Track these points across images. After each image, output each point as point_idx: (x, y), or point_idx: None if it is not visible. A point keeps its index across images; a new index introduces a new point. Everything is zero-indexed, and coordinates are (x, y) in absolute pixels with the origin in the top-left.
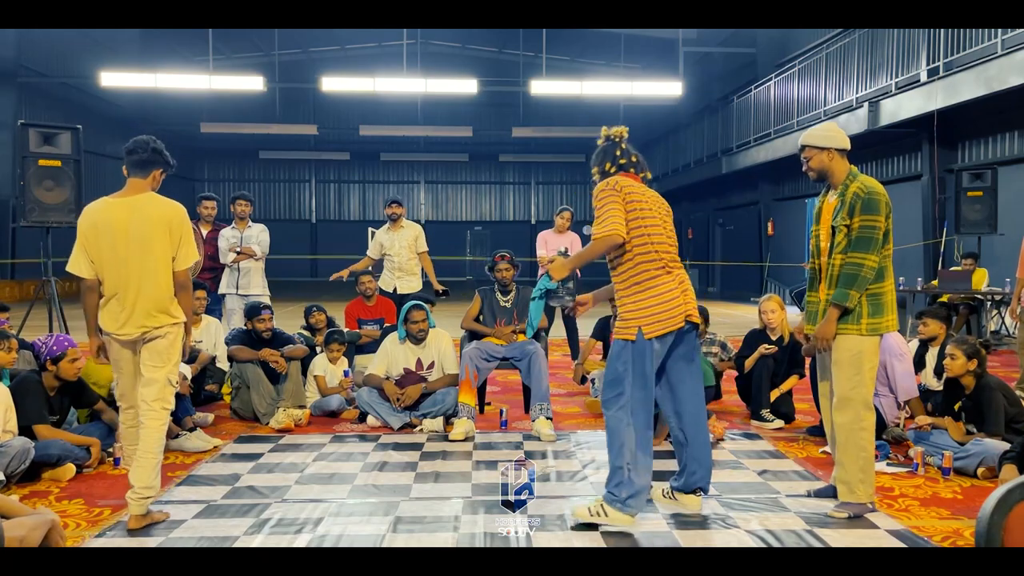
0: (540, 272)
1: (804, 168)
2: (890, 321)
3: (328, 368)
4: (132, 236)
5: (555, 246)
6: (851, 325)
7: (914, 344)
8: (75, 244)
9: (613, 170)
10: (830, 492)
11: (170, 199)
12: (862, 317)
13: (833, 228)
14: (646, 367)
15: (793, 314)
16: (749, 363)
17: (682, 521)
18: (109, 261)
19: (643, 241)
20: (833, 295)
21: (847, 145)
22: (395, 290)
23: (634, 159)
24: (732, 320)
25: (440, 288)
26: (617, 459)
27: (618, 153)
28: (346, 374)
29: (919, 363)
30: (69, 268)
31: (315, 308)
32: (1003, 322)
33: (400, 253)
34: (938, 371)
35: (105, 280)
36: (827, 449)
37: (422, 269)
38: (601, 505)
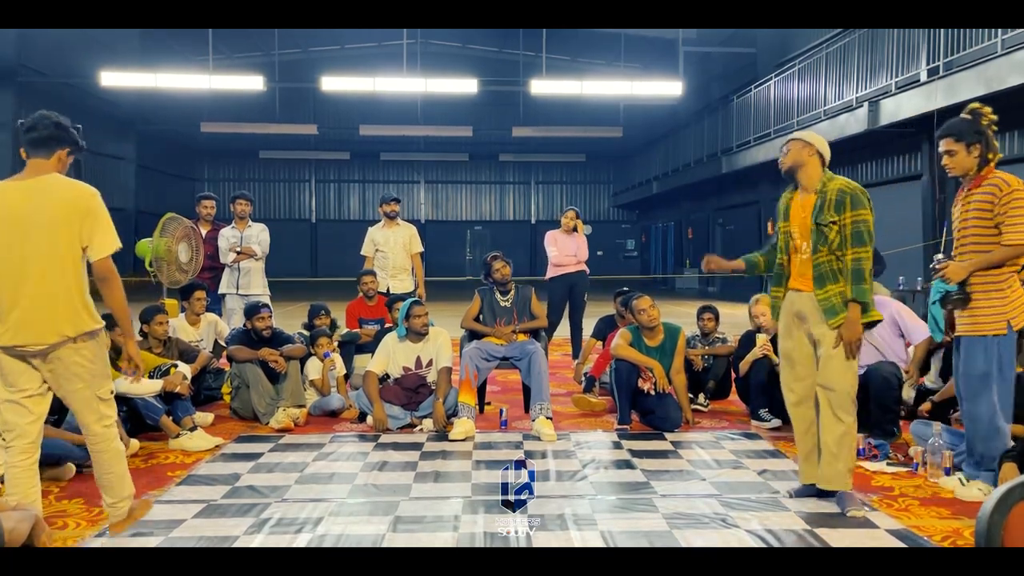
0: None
1: (780, 160)
2: (874, 313)
3: (322, 371)
4: (32, 224)
5: (564, 245)
6: (841, 318)
7: None
8: None
9: (991, 157)
10: (809, 492)
11: (80, 181)
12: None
13: (819, 225)
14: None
15: None
16: (744, 364)
17: (682, 521)
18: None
19: None
20: (853, 292)
21: (828, 154)
22: (388, 289)
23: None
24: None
25: (421, 296)
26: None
27: (996, 142)
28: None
29: (924, 366)
30: None
31: (323, 311)
32: None
33: (396, 252)
34: (943, 373)
35: None
36: None
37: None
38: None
